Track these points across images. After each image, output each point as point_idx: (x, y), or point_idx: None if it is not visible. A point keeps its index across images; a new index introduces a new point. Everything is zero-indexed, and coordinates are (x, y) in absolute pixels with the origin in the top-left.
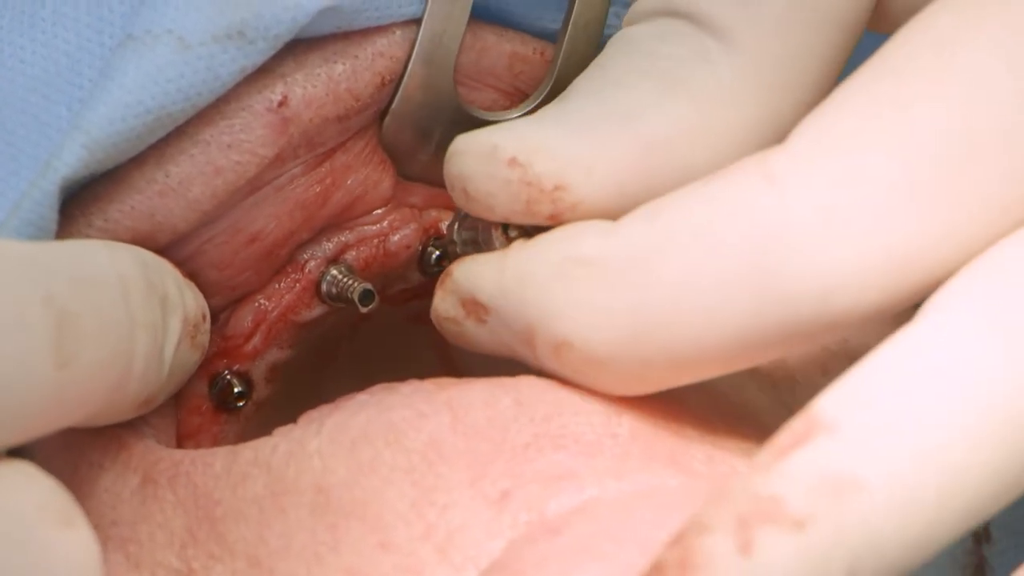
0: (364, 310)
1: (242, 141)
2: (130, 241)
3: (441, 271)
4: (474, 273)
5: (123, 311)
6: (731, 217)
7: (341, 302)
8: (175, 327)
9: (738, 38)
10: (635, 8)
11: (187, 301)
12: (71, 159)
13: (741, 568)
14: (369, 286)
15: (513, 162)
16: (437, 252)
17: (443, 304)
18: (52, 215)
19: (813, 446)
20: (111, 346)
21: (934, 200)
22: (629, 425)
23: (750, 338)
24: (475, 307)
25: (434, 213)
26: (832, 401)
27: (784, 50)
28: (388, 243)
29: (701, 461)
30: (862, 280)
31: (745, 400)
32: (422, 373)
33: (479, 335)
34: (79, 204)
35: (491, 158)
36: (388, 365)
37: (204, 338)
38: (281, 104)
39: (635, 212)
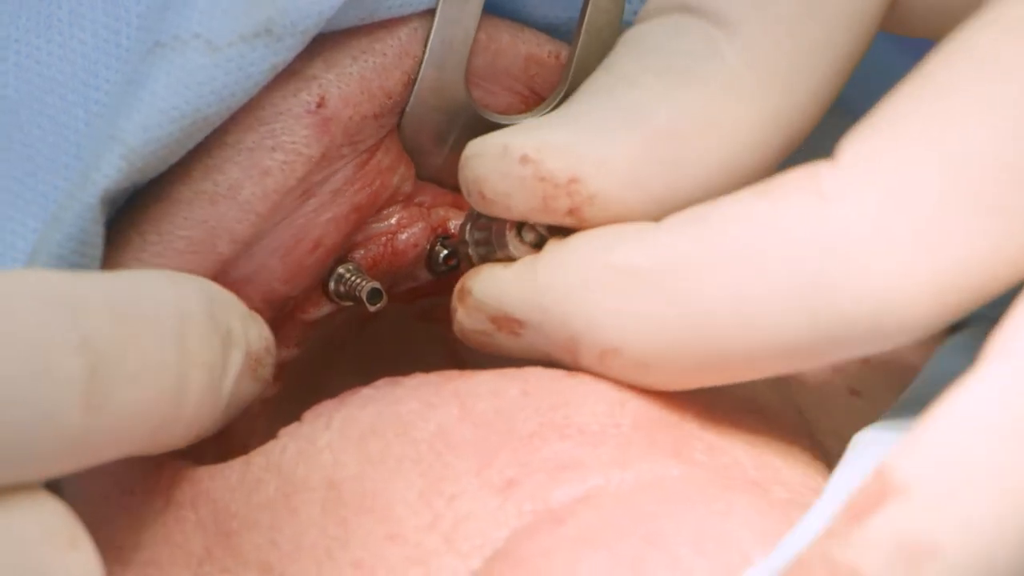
0: (372, 309)
1: (285, 143)
2: (187, 251)
3: (449, 270)
4: (499, 289)
5: (174, 350)
6: (783, 233)
7: (349, 301)
8: (236, 361)
9: (747, 32)
10: (646, 7)
11: (251, 335)
12: (110, 170)
13: None
14: (377, 285)
15: (525, 159)
16: (445, 251)
17: (469, 320)
18: (96, 228)
19: (888, 511)
20: (156, 387)
21: (984, 217)
22: (633, 415)
23: (801, 349)
24: (508, 322)
25: (442, 211)
26: (903, 461)
27: (793, 46)
28: (396, 242)
29: (702, 451)
30: (913, 297)
31: (749, 394)
32: (430, 371)
33: (512, 345)
34: (133, 224)
35: (503, 157)
36: (395, 363)
37: (266, 371)
38: (320, 105)
39: (679, 217)
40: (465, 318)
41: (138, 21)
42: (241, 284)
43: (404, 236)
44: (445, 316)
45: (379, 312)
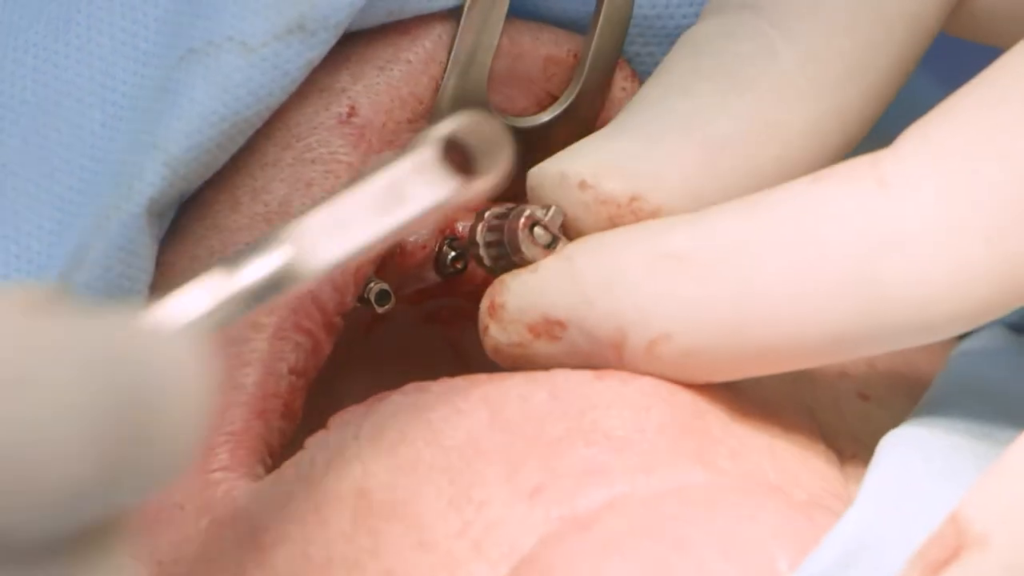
0: (381, 310)
1: (323, 154)
2: None
3: (457, 272)
4: (537, 292)
5: None
6: (839, 218)
7: (357, 302)
8: None
9: (802, 30)
10: (707, 7)
11: None
12: (154, 179)
13: None
14: (386, 286)
15: (583, 185)
16: (453, 253)
17: (504, 335)
18: (143, 239)
19: (965, 563)
20: None
21: None
22: (657, 421)
23: (848, 339)
24: (548, 326)
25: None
26: (980, 511)
27: (850, 44)
28: (404, 243)
29: (726, 458)
30: (966, 289)
31: (766, 396)
32: (436, 373)
33: (550, 353)
34: (196, 259)
35: (563, 185)
36: (402, 365)
37: None
38: (350, 115)
39: (728, 205)
40: (500, 333)
41: (156, 25)
42: (322, 301)
43: (412, 238)
44: (451, 318)
45: (385, 314)
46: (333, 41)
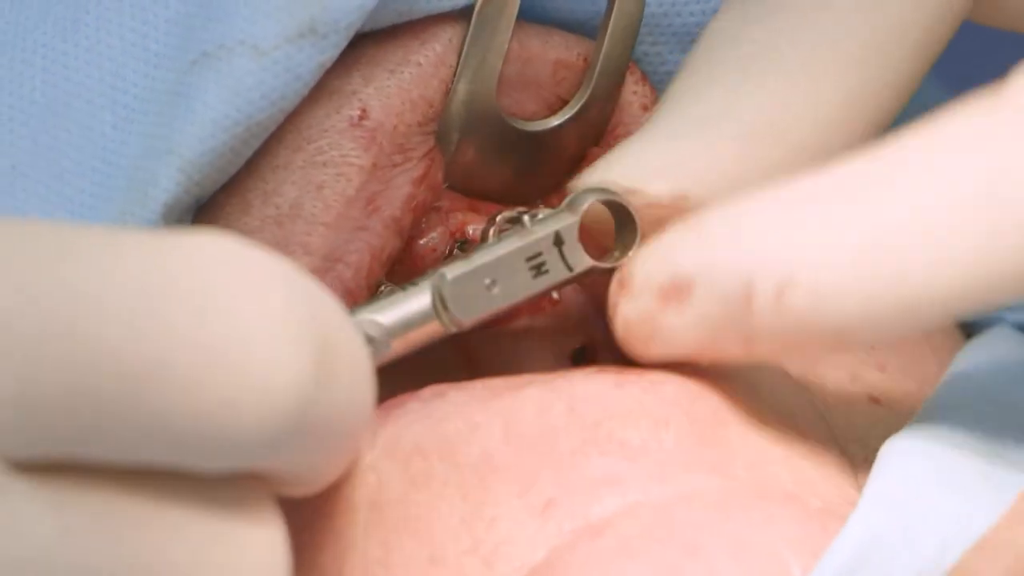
0: None
1: (335, 157)
2: None
3: None
4: (663, 254)
5: None
6: (961, 149)
7: None
8: None
9: (821, 6)
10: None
11: None
12: (169, 184)
13: None
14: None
15: (629, 192)
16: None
17: (633, 306)
18: None
19: None
20: None
21: None
22: (674, 431)
23: (979, 273)
24: (677, 289)
25: (460, 216)
26: None
27: (871, 24)
28: (415, 247)
29: (742, 467)
30: None
31: (783, 403)
32: (445, 376)
33: (678, 325)
34: None
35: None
36: (411, 367)
37: None
38: (362, 117)
39: (852, 154)
40: (630, 305)
41: (166, 27)
42: None
43: (423, 241)
44: None
45: None
46: (344, 44)
